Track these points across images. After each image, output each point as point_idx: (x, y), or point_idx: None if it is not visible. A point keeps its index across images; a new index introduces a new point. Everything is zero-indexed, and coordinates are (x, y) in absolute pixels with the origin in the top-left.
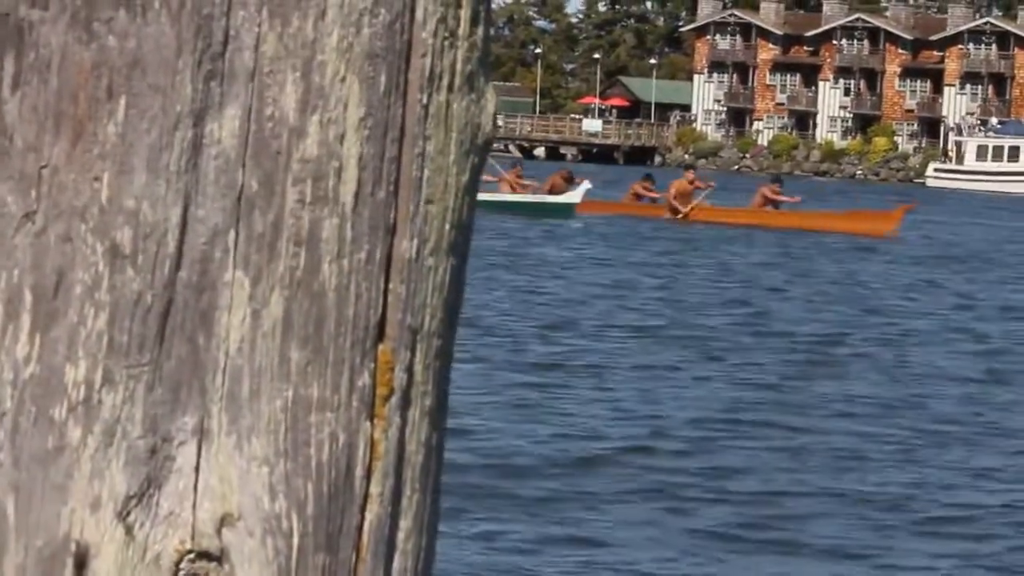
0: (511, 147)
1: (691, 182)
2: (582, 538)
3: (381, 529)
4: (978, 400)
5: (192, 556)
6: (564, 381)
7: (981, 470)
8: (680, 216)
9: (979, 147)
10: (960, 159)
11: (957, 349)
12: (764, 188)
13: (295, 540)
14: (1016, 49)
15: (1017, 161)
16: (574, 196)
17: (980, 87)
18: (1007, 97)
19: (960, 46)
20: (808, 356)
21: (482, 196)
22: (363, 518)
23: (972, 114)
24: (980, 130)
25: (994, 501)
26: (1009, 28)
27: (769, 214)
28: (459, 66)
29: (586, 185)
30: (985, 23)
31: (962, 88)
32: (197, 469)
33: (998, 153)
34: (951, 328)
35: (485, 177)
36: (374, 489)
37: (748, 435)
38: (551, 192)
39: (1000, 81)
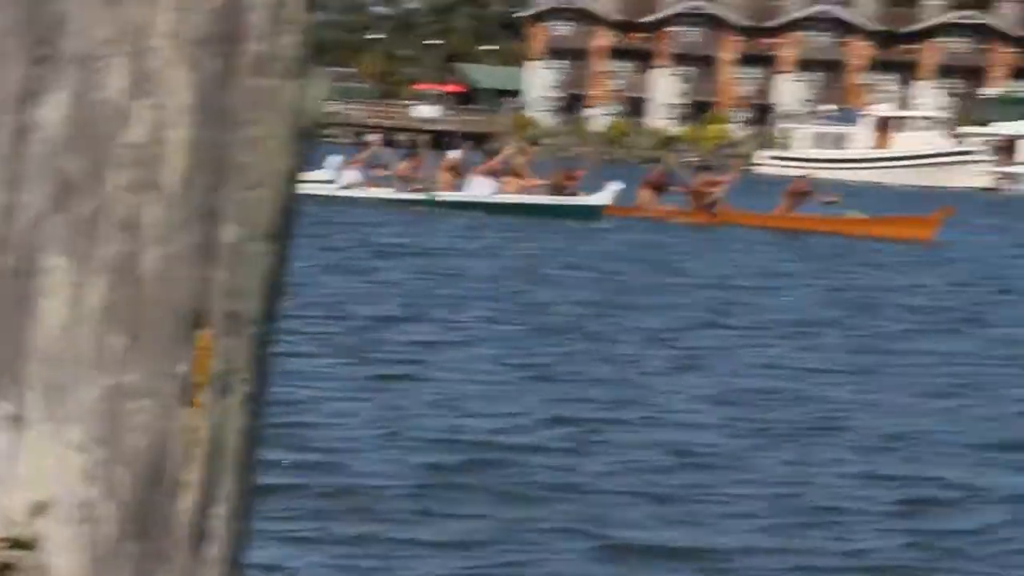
0: (346, 134)
1: (713, 183)
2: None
3: (196, 515)
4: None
5: (4, 544)
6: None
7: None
8: (711, 218)
9: (811, 134)
10: (792, 146)
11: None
12: (793, 188)
13: (109, 527)
14: (851, 37)
15: (846, 148)
16: (603, 197)
17: (814, 74)
18: (840, 84)
19: (795, 33)
20: (652, 345)
21: (498, 198)
22: (178, 505)
23: (808, 101)
24: (811, 117)
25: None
26: (844, 15)
27: (799, 218)
28: (288, 52)
29: (618, 184)
30: (821, 11)
31: (796, 75)
32: (11, 457)
33: (827, 140)
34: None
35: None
36: (190, 476)
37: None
38: (555, 191)
39: (833, 68)
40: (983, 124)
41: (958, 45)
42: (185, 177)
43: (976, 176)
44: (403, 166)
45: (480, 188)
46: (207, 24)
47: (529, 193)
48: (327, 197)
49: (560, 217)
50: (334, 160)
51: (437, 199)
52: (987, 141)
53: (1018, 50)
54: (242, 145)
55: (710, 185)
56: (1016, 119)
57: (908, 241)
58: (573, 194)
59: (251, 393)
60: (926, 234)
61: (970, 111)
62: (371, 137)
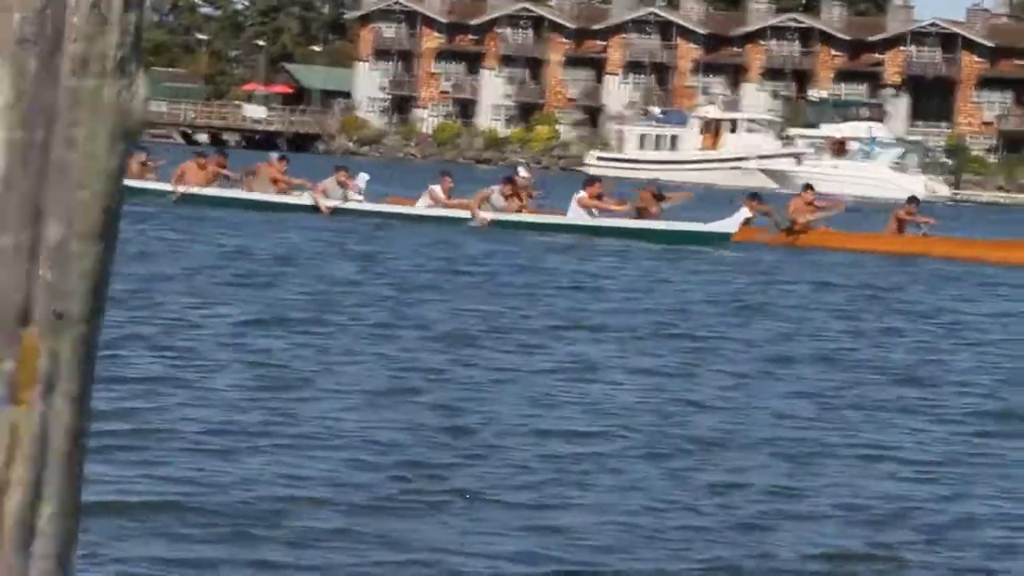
0: (175, 134)
1: (810, 202)
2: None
3: (22, 514)
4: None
5: None
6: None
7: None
8: (790, 238)
9: (640, 136)
10: (621, 147)
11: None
12: (898, 211)
13: None
14: (679, 39)
15: (676, 149)
16: (732, 223)
17: (642, 76)
18: (669, 87)
19: (623, 36)
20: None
21: (608, 222)
22: (4, 503)
23: (634, 103)
24: (641, 119)
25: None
26: (672, 18)
27: (905, 240)
28: (111, 52)
29: (744, 212)
30: (649, 13)
31: (625, 77)
32: None
33: (657, 141)
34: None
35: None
36: (15, 475)
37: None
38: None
39: (661, 71)
40: (811, 127)
41: (785, 48)
42: (6, 177)
43: (917, 185)
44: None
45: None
46: (27, 24)
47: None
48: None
49: (682, 243)
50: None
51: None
52: (815, 143)
53: (844, 53)
54: (64, 145)
55: (653, 200)
56: (843, 121)
57: None
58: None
59: (77, 392)
60: None
61: (798, 114)
62: (200, 137)
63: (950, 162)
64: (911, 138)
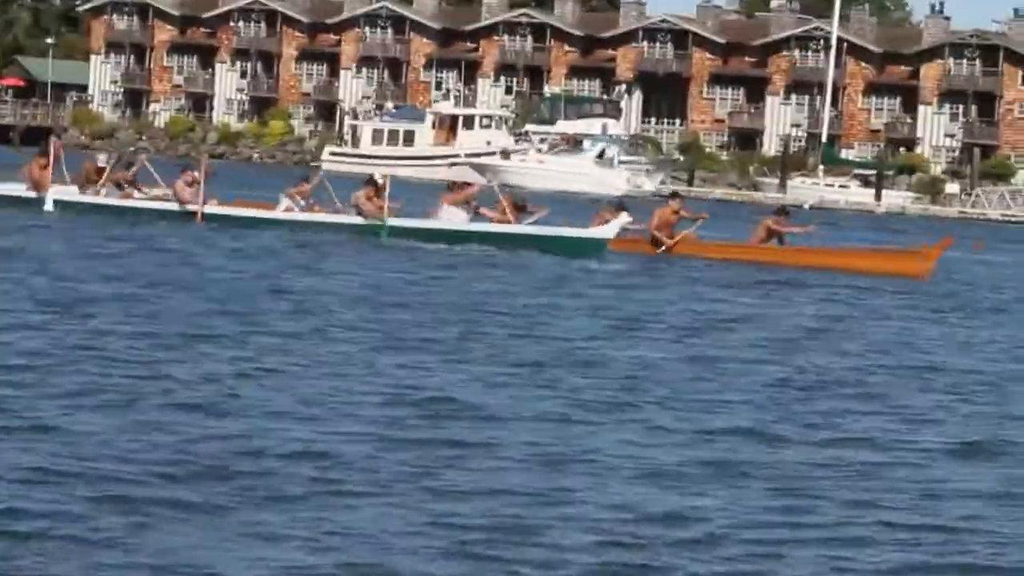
0: None
1: (676, 211)
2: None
3: None
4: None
5: None
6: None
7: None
8: (663, 249)
9: (374, 131)
10: (356, 143)
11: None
12: (768, 220)
13: None
14: (412, 34)
15: (412, 145)
16: (608, 230)
17: (376, 71)
18: (402, 82)
19: (357, 30)
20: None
21: (486, 227)
22: None
23: (368, 98)
24: (375, 114)
25: None
26: (405, 13)
27: (777, 251)
28: None
29: (625, 217)
30: (381, 7)
31: (359, 72)
32: None
33: (393, 137)
34: None
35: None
36: None
37: None
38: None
39: (395, 66)
40: (546, 122)
41: (519, 44)
42: None
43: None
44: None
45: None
46: None
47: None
48: None
49: (560, 251)
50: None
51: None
52: (549, 139)
53: (578, 49)
54: None
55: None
56: (577, 118)
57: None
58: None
59: None
60: (922, 268)
61: (532, 109)
62: None
63: (683, 158)
64: (644, 134)
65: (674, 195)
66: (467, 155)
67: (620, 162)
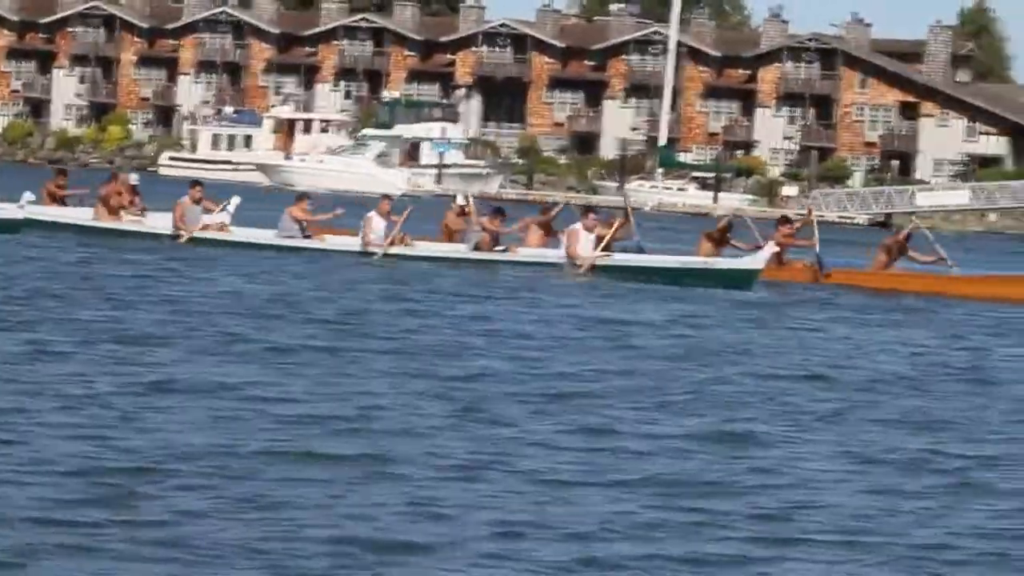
0: None
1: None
2: None
3: None
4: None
5: None
6: None
7: None
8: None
9: (213, 136)
10: (194, 147)
11: None
12: (775, 234)
13: None
14: (251, 39)
15: (249, 150)
16: (757, 260)
17: (215, 76)
18: (241, 86)
19: (195, 35)
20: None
21: (649, 261)
22: None
23: (207, 103)
24: (214, 119)
25: None
26: (244, 18)
27: (907, 276)
28: None
29: (771, 248)
30: (220, 12)
31: (197, 77)
32: None
33: (231, 142)
34: None
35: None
36: None
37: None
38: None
39: (234, 70)
40: (385, 127)
41: (358, 48)
42: None
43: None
44: None
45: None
46: None
47: None
48: None
49: (709, 283)
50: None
51: None
52: (389, 144)
53: (417, 54)
54: None
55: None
56: (416, 122)
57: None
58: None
59: None
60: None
61: (372, 114)
62: None
63: (522, 162)
64: (483, 138)
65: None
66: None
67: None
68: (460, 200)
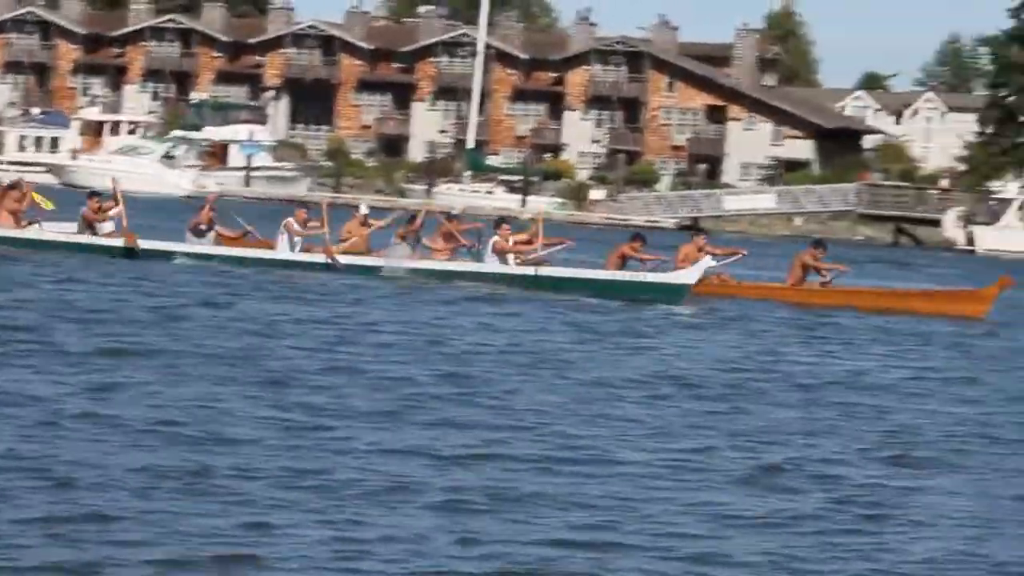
0: None
1: (700, 248)
2: None
3: None
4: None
5: None
6: None
7: None
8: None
9: (20, 137)
10: (1, 149)
11: None
12: (803, 254)
13: None
14: (58, 39)
15: (57, 151)
16: (690, 274)
17: (22, 77)
18: (49, 87)
19: (3, 35)
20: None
21: (564, 272)
22: None
23: (13, 104)
24: (21, 120)
25: None
26: (51, 18)
27: (815, 291)
28: None
29: (708, 260)
30: (27, 12)
31: (4, 77)
32: None
33: (39, 143)
34: None
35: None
36: None
37: None
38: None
39: (42, 71)
40: (193, 128)
41: (166, 49)
42: None
43: (184, 181)
44: None
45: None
46: None
47: None
48: None
49: (636, 296)
50: None
51: None
52: (197, 146)
53: (225, 55)
54: None
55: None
56: (224, 124)
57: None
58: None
59: None
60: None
61: (179, 116)
62: None
63: (329, 164)
64: (291, 141)
65: (699, 231)
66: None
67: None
68: (363, 210)
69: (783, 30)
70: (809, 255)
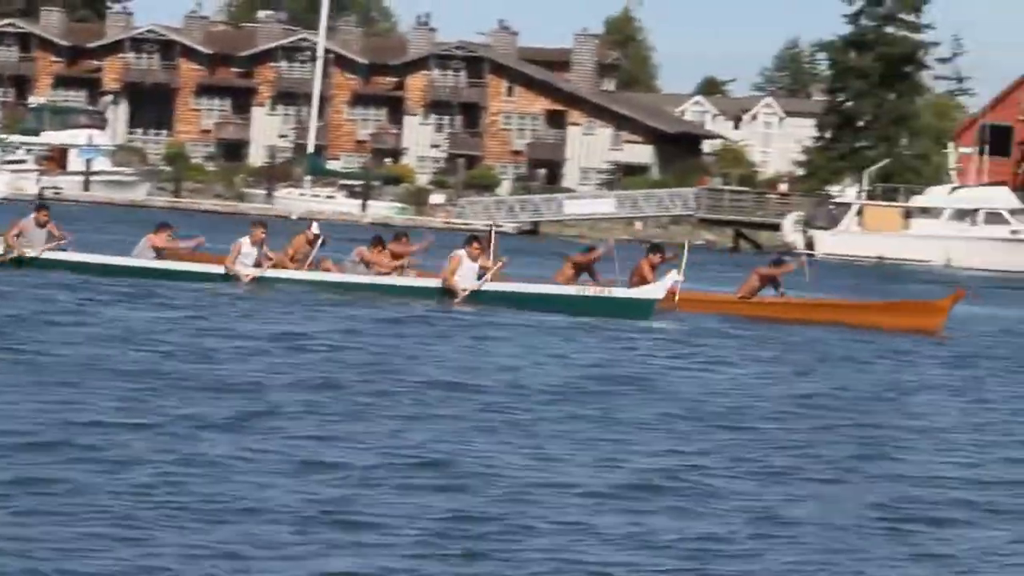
0: None
1: (653, 265)
2: None
3: None
4: None
5: None
6: None
7: None
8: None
9: None
10: None
11: None
12: (760, 268)
13: None
14: None
15: None
16: (656, 289)
17: None
18: None
19: None
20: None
21: (541, 289)
22: None
23: None
24: None
25: None
26: None
27: (776, 304)
28: None
29: (674, 276)
30: None
31: None
32: None
33: None
34: None
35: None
36: None
37: None
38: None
39: None
40: (32, 133)
41: (3, 53)
42: None
43: (24, 184)
44: None
45: None
46: None
47: None
48: None
49: (598, 313)
50: None
51: None
52: (35, 150)
53: (64, 59)
54: None
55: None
56: (63, 128)
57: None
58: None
59: None
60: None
61: (17, 120)
62: None
63: (169, 169)
64: (131, 145)
65: (656, 248)
66: None
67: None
68: (315, 229)
69: (623, 35)
70: (767, 268)
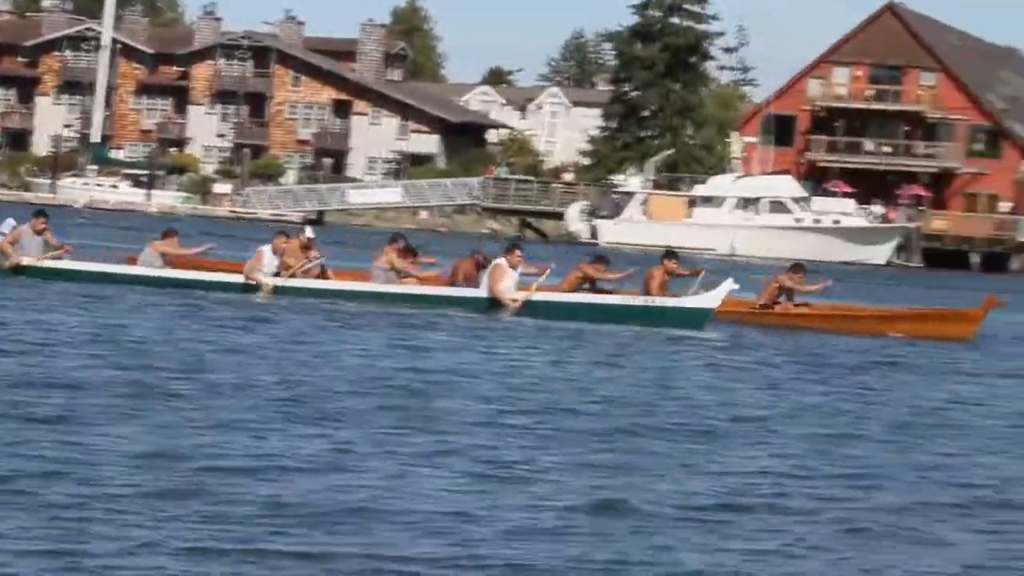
0: None
1: (670, 272)
2: None
3: None
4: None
5: None
6: None
7: None
8: None
9: None
10: None
11: None
12: (782, 276)
13: None
14: None
15: None
16: (710, 299)
17: None
18: None
19: None
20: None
21: (592, 299)
22: None
23: None
24: None
25: None
26: None
27: (795, 314)
28: None
29: (730, 284)
30: None
31: None
32: None
33: None
34: None
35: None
36: None
37: None
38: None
39: None
40: None
41: None
42: None
43: None
44: None
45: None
46: None
47: None
48: None
49: (654, 322)
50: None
51: None
52: None
53: None
54: None
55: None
56: None
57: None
58: None
59: None
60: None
61: None
62: None
63: None
64: None
65: (671, 255)
66: None
67: None
68: (309, 233)
69: (409, 26)
70: (787, 277)
